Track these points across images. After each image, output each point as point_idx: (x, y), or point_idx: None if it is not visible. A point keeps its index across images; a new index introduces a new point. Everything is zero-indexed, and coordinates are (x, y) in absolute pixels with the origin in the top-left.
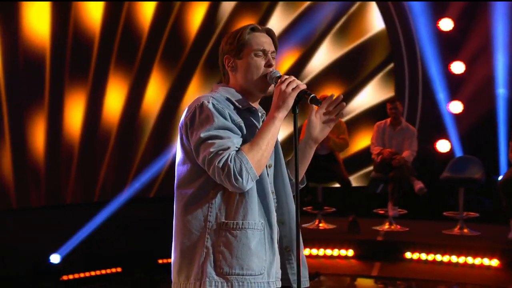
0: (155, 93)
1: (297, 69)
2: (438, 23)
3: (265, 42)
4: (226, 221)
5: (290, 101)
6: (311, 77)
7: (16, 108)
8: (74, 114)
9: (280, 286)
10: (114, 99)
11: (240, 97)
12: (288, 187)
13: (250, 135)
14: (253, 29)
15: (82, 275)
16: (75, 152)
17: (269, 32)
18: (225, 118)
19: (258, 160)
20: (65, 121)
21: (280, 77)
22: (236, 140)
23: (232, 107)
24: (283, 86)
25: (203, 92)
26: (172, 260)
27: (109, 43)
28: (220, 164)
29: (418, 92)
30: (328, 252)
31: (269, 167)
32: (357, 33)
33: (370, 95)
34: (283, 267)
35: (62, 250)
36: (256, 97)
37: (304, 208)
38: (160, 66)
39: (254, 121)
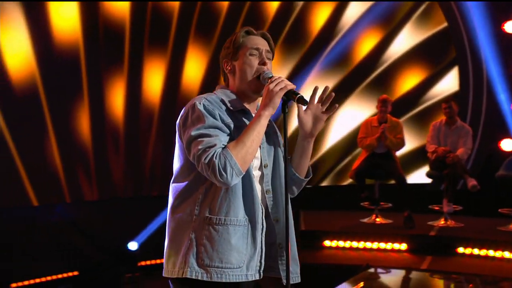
0: None
1: (377, 53)
2: (503, 26)
3: (259, 42)
4: (210, 216)
5: (277, 100)
6: (391, 62)
7: (96, 76)
8: (153, 82)
9: (259, 277)
10: (193, 69)
11: (235, 98)
12: (284, 186)
13: (239, 135)
14: (248, 32)
15: (158, 261)
16: (154, 119)
17: (264, 35)
18: (215, 118)
19: (243, 156)
20: (144, 88)
21: (271, 77)
22: (224, 138)
23: (224, 108)
24: (272, 86)
25: (283, 66)
26: (164, 247)
27: (189, 15)
28: (206, 161)
29: (482, 92)
30: (382, 245)
31: (265, 166)
32: (440, 19)
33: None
34: (276, 263)
35: (139, 238)
36: (251, 98)
37: (361, 204)
38: None
39: (246, 121)
